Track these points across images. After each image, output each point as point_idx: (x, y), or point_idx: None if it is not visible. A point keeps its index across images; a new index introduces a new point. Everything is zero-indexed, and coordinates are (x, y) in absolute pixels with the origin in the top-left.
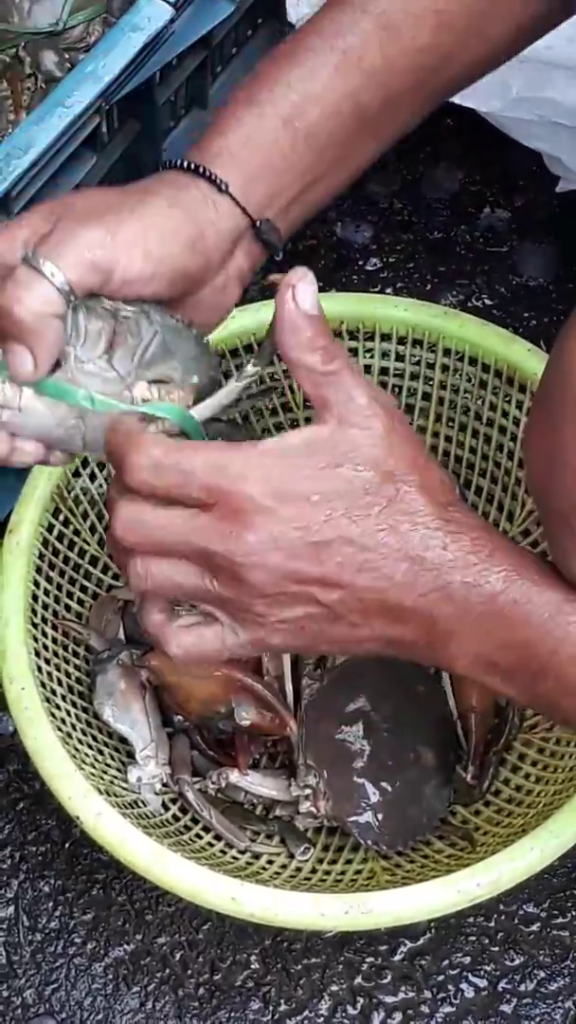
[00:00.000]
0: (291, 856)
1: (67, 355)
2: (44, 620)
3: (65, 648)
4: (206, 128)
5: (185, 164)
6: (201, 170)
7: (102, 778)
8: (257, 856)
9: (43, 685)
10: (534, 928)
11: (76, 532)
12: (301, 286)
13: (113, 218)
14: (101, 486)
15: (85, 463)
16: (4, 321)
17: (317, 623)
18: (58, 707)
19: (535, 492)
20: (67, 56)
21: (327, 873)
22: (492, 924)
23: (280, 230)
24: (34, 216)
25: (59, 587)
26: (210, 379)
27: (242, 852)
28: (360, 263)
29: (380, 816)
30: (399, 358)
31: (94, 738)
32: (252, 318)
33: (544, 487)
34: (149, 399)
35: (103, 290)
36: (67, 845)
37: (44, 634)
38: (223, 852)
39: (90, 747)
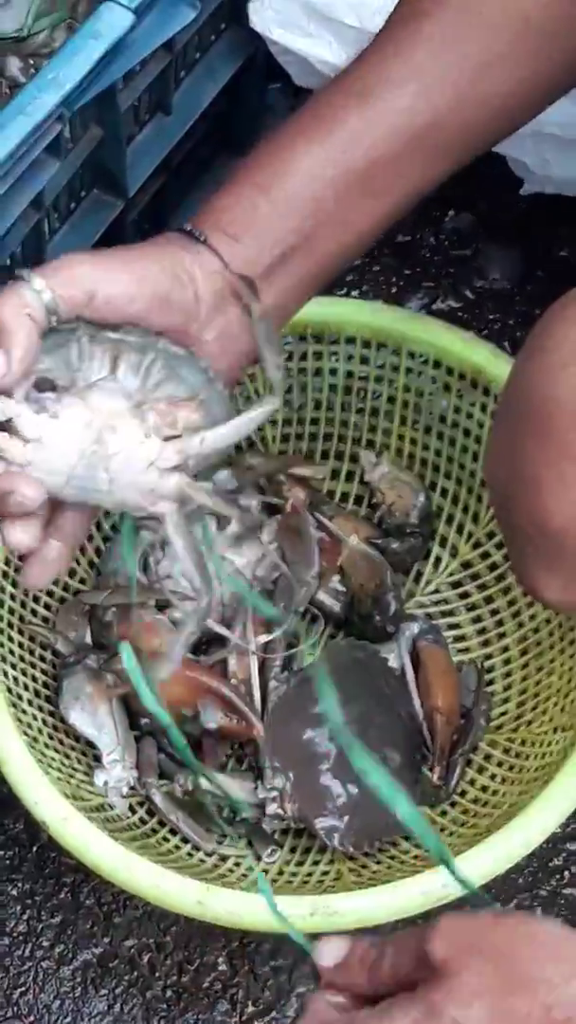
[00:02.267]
0: (258, 858)
1: (75, 380)
2: (10, 624)
3: (31, 652)
4: None
5: (173, 228)
6: (185, 227)
7: (69, 782)
8: (224, 858)
9: (9, 690)
10: None
11: None
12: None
13: (103, 254)
14: None
15: None
16: None
17: None
18: (24, 711)
19: (497, 506)
20: (32, 62)
21: (294, 875)
22: None
23: (265, 293)
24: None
25: (25, 591)
26: (220, 407)
27: (209, 854)
28: None
29: (346, 817)
30: (364, 361)
31: (61, 742)
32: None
33: (505, 502)
34: (162, 412)
35: (89, 307)
36: (35, 849)
37: (10, 639)
38: (190, 855)
39: (57, 751)
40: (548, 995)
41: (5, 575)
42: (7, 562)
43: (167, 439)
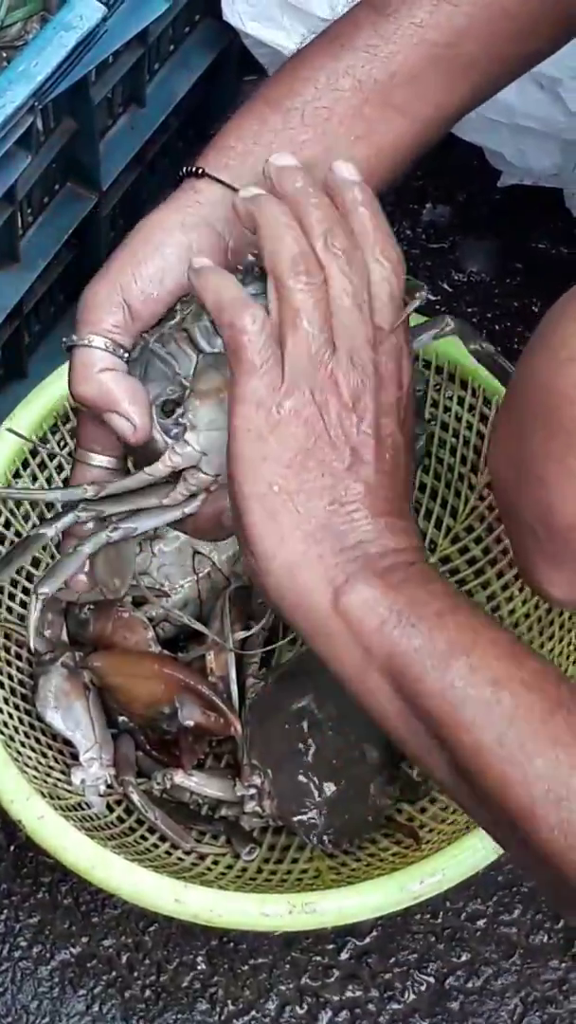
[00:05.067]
0: (237, 856)
1: (180, 382)
2: None
3: (7, 650)
4: None
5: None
6: (182, 170)
7: (45, 780)
8: (203, 857)
9: None
10: (480, 925)
11: (17, 534)
12: None
13: (106, 264)
14: (41, 487)
15: (26, 464)
16: (85, 404)
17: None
18: (0, 710)
19: (501, 502)
20: (5, 55)
21: (272, 873)
22: (438, 921)
23: None
24: None
25: (1, 589)
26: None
27: (187, 853)
28: None
29: (325, 814)
30: None
31: (37, 740)
32: None
33: (511, 498)
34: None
35: (133, 310)
36: (12, 848)
37: None
38: (168, 853)
39: (33, 749)
40: None
41: None
42: None
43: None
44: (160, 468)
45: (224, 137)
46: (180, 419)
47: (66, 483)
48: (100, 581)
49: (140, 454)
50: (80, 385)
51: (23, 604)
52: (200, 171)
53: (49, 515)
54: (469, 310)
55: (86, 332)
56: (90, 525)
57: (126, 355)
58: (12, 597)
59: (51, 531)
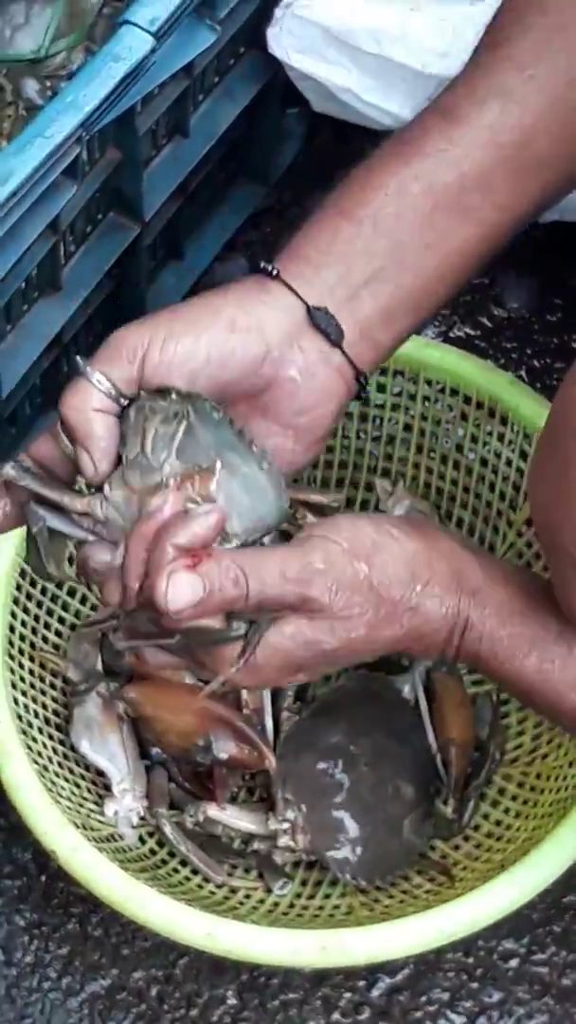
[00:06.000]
0: (269, 891)
1: (120, 455)
2: (21, 652)
3: (42, 680)
4: None
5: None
6: (259, 265)
7: (78, 811)
8: (234, 891)
9: (19, 717)
10: (513, 964)
11: None
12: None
13: (149, 317)
14: None
15: None
16: (66, 427)
17: None
18: (34, 740)
19: (540, 528)
20: (48, 84)
21: (304, 908)
22: (471, 960)
23: (342, 320)
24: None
25: (36, 618)
26: (261, 475)
27: (219, 886)
28: None
29: (358, 850)
30: (380, 389)
31: (71, 771)
32: None
33: (550, 524)
34: (177, 487)
35: (145, 378)
36: (43, 878)
37: (21, 666)
38: (200, 886)
39: (67, 780)
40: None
41: (16, 601)
42: (18, 587)
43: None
44: (77, 503)
45: (297, 245)
46: (104, 485)
47: None
48: (32, 566)
49: None
50: (70, 409)
51: (59, 634)
52: (275, 272)
53: None
54: (508, 346)
55: (98, 368)
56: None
57: (124, 402)
58: (48, 627)
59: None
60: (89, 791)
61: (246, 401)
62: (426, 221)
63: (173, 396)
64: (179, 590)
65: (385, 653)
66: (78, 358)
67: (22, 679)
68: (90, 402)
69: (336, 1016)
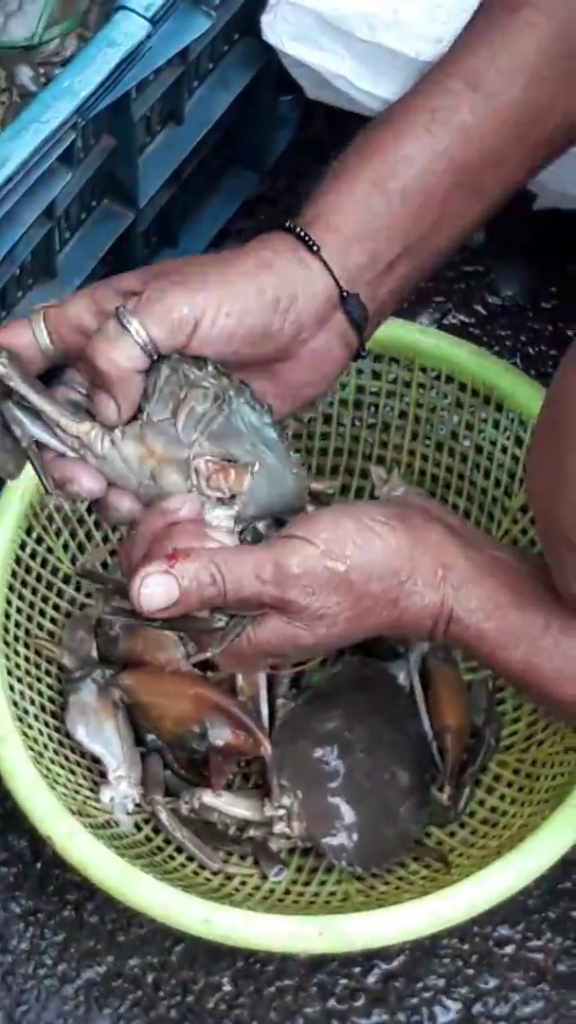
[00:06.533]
0: (264, 877)
1: (142, 409)
2: (16, 639)
3: (37, 667)
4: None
5: (285, 225)
6: (298, 231)
7: (74, 798)
8: (230, 877)
9: (15, 704)
10: (509, 950)
11: (49, 550)
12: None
13: (199, 281)
14: (75, 503)
15: None
16: (90, 369)
17: None
18: (30, 726)
19: (538, 515)
20: (42, 71)
21: (300, 895)
22: (467, 946)
23: (368, 304)
24: (132, 275)
25: (32, 605)
26: (283, 471)
27: (215, 873)
28: None
29: (354, 837)
30: (375, 376)
31: (66, 757)
32: None
33: (547, 511)
34: (202, 473)
35: (187, 347)
36: (38, 865)
37: (16, 652)
38: (196, 873)
39: (62, 766)
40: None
41: (12, 588)
42: (13, 574)
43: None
44: (74, 427)
45: (332, 215)
46: (116, 429)
47: None
48: None
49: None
50: (104, 355)
51: (53, 621)
52: (317, 248)
53: None
54: (503, 333)
55: (143, 322)
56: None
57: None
58: (43, 614)
59: None
60: (85, 778)
61: (255, 364)
62: (447, 199)
63: (210, 369)
64: (153, 592)
65: (368, 637)
66: (120, 308)
67: (17, 666)
68: (126, 351)
69: (332, 1002)
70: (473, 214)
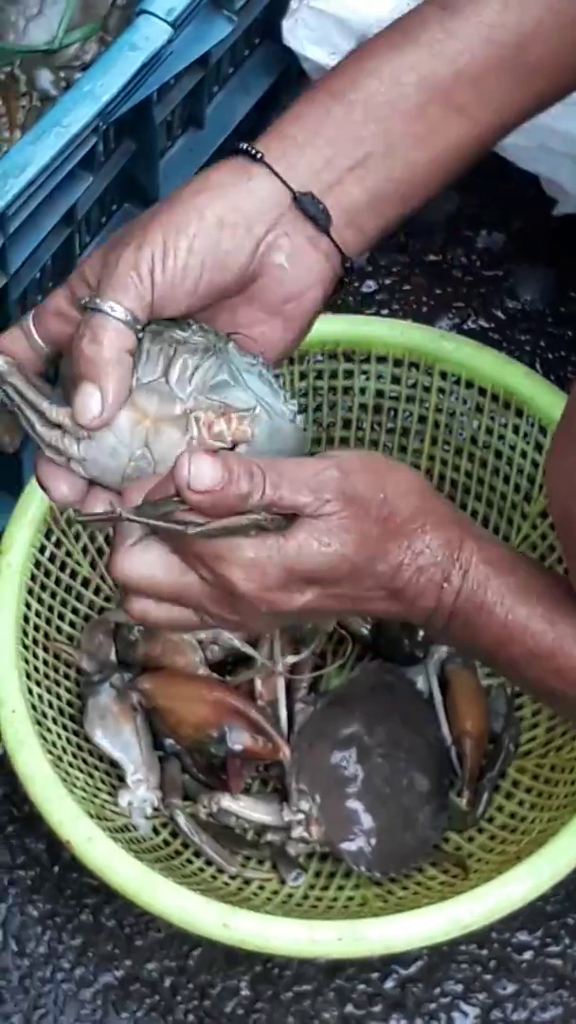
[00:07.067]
0: (282, 882)
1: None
2: (35, 642)
3: (56, 670)
4: None
5: (235, 148)
6: (242, 145)
7: (92, 802)
8: (248, 882)
9: (34, 708)
10: (527, 956)
11: (68, 553)
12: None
13: (140, 230)
14: None
15: None
16: (78, 363)
17: None
18: (49, 730)
19: (557, 518)
20: (62, 75)
21: (319, 899)
22: (485, 951)
23: (329, 205)
24: (95, 254)
25: (51, 609)
26: (282, 418)
27: (233, 877)
28: (355, 285)
29: (373, 842)
30: (395, 381)
31: (85, 761)
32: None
33: (568, 515)
34: (204, 422)
35: (154, 304)
36: (56, 869)
37: (35, 656)
38: (214, 877)
39: (81, 770)
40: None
41: (31, 592)
42: (33, 578)
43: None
44: (56, 413)
45: (285, 124)
46: None
47: None
48: None
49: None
50: (85, 342)
51: (72, 625)
52: (259, 155)
53: None
54: (522, 338)
55: (110, 297)
56: None
57: (140, 332)
58: (62, 617)
59: None
60: (103, 781)
61: (231, 294)
62: (419, 113)
63: (194, 327)
64: (201, 470)
65: (388, 591)
66: (92, 296)
67: (36, 669)
68: (110, 330)
69: (350, 1008)
70: (453, 135)
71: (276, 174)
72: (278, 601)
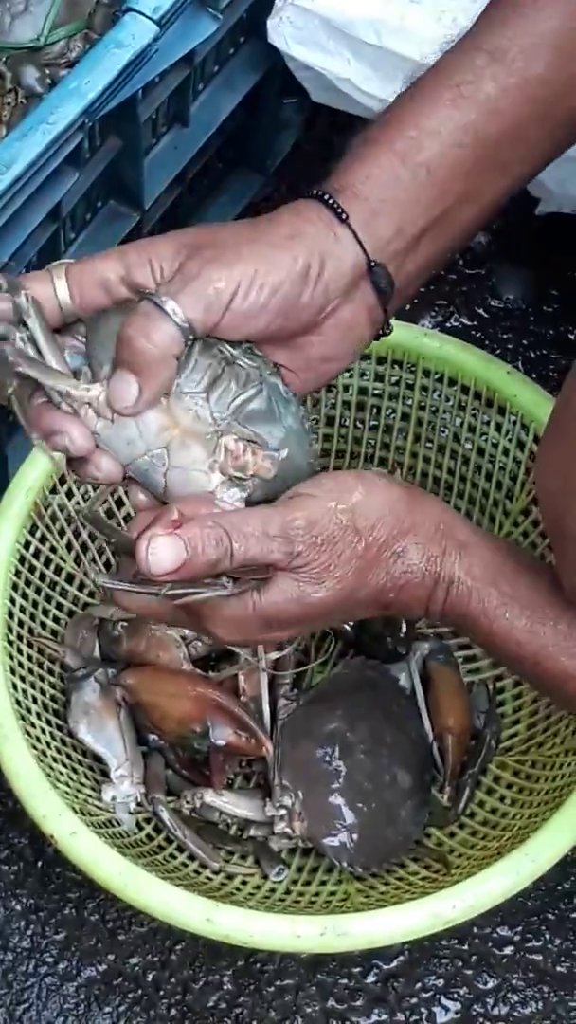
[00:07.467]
0: (265, 877)
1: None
2: (20, 637)
3: (40, 666)
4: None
5: (313, 193)
6: (326, 198)
7: (76, 796)
8: (231, 877)
9: (18, 703)
10: (508, 951)
11: (52, 549)
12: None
13: (233, 254)
14: (78, 503)
15: (63, 479)
16: (124, 349)
17: None
18: (33, 725)
19: (547, 516)
20: (48, 72)
21: (301, 894)
22: (466, 947)
23: (395, 277)
24: (165, 244)
25: (35, 604)
26: (302, 457)
27: (216, 873)
28: None
29: (355, 837)
30: (378, 378)
31: (69, 756)
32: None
33: (557, 511)
34: (232, 452)
35: (219, 324)
36: (39, 864)
37: (20, 651)
38: (197, 872)
39: (65, 765)
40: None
41: (15, 587)
42: (17, 574)
43: (233, 478)
44: (81, 393)
45: (358, 184)
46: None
47: None
48: None
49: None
50: (138, 333)
51: (56, 620)
52: (345, 216)
53: None
54: (504, 336)
55: (179, 302)
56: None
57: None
58: (46, 613)
59: None
60: (87, 776)
61: (280, 337)
62: (470, 173)
63: (244, 347)
64: (160, 555)
65: (373, 607)
66: (156, 289)
67: (20, 664)
68: (166, 332)
69: (332, 1002)
70: (495, 192)
71: (359, 240)
72: (262, 640)
